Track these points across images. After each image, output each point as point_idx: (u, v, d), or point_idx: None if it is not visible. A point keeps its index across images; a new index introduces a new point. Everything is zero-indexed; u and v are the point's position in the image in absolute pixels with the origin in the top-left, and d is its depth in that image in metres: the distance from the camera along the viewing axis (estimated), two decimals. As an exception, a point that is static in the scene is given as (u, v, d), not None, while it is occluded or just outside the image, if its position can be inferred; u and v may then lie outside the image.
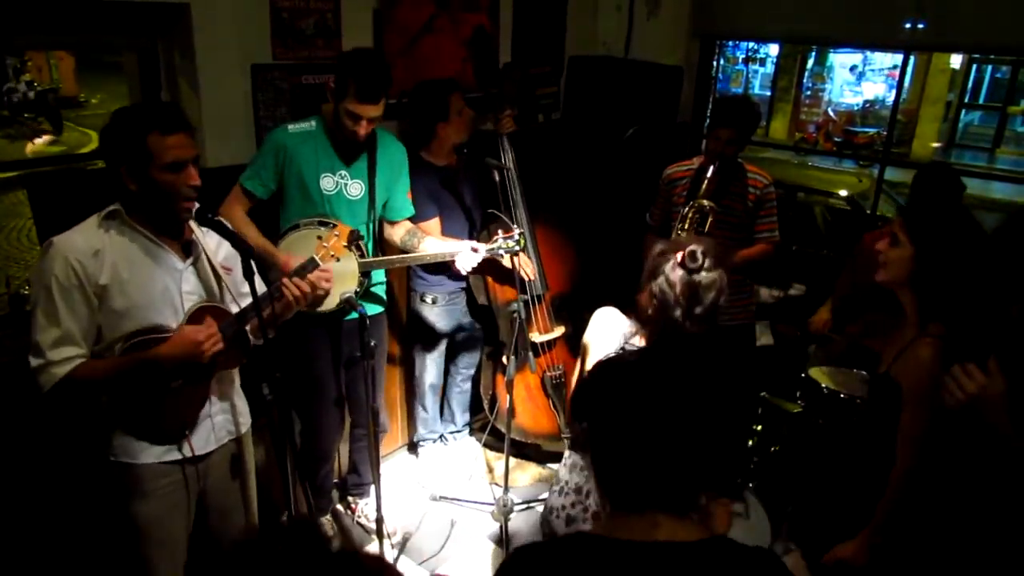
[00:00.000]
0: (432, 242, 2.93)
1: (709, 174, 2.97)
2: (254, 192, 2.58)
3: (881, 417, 1.91)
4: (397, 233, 2.94)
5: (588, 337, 1.98)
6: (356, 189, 2.68)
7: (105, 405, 1.92)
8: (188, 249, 1.94)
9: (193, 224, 1.95)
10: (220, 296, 2.00)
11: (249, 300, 1.95)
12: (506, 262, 3.02)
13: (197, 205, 1.89)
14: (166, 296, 1.88)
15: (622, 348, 1.90)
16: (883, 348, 2.05)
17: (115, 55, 3.98)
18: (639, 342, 1.89)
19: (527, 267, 3.16)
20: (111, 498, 2.00)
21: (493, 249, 2.84)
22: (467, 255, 2.84)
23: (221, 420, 2.09)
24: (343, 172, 2.64)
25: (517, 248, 2.84)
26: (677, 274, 1.74)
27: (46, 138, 11.59)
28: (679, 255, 1.74)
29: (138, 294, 1.83)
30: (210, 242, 2.01)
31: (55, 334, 1.76)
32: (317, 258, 2.15)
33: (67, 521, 2.46)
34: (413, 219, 3.00)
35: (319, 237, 2.29)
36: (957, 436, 1.68)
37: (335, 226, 2.37)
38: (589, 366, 1.92)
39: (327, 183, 2.62)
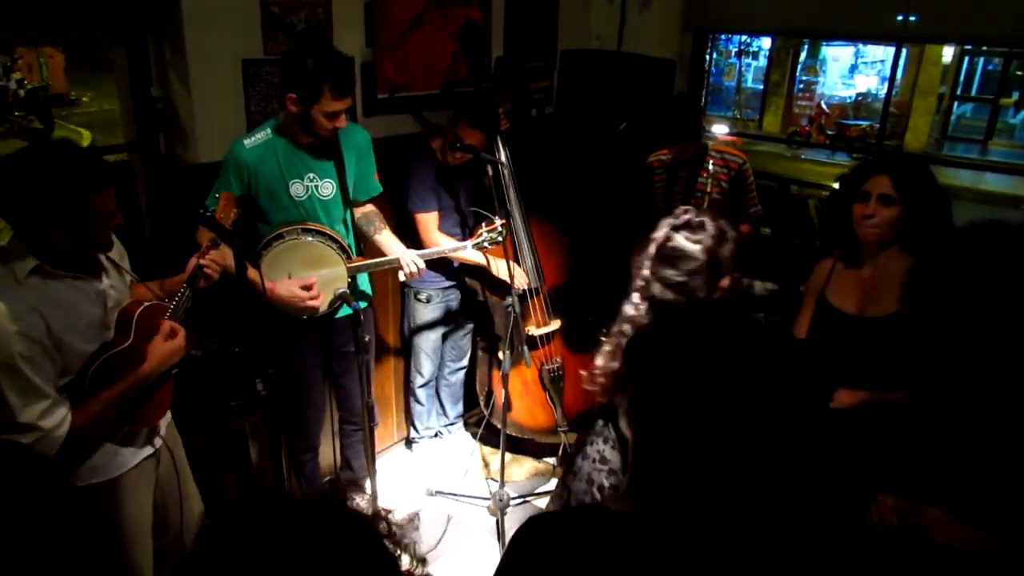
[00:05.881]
0: (389, 235, 2.88)
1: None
2: None
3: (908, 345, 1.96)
4: (355, 215, 2.86)
5: None
6: (328, 189, 2.63)
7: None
8: (100, 269, 1.91)
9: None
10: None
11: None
12: (496, 268, 3.02)
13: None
14: (100, 320, 1.87)
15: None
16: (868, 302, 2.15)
17: (105, 51, 3.95)
18: None
19: (518, 276, 3.17)
20: (82, 522, 1.99)
21: (479, 243, 2.85)
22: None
23: None
24: (311, 175, 2.59)
25: (500, 238, 2.84)
26: (661, 231, 1.83)
27: None
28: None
29: (79, 328, 1.80)
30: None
31: (41, 406, 1.69)
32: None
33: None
34: (413, 209, 3.01)
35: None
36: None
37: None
38: None
39: (297, 189, 2.56)
